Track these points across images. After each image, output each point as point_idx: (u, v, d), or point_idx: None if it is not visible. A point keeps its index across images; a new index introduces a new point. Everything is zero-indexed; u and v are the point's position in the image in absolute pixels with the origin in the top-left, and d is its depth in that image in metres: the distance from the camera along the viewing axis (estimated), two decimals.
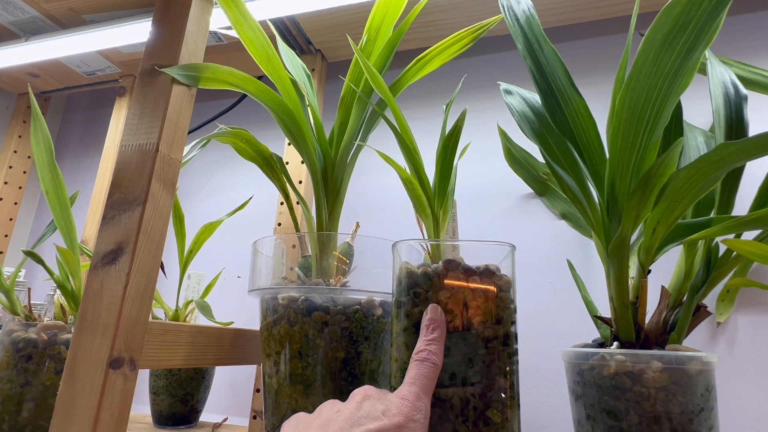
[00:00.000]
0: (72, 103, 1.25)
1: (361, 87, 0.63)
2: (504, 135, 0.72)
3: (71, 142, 1.21)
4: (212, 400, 0.83)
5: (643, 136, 0.40)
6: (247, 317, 0.87)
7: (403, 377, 0.39)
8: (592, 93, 0.79)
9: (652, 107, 0.38)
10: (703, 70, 0.56)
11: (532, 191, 0.77)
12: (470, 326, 0.39)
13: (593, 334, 0.64)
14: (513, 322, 0.40)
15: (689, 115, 0.69)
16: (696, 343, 0.63)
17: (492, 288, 0.40)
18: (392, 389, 0.40)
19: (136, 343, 0.43)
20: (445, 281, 0.40)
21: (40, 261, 0.49)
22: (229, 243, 0.93)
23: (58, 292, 0.56)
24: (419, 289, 0.40)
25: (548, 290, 0.72)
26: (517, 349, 0.40)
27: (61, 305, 0.55)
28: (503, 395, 0.38)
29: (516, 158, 0.73)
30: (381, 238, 0.58)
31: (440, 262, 0.41)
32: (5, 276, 0.72)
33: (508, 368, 0.38)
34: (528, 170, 0.74)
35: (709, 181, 0.39)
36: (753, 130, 0.67)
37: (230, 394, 0.83)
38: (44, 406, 0.50)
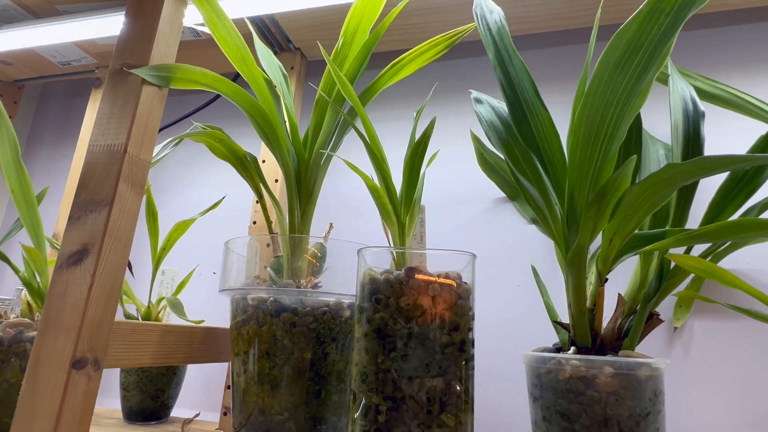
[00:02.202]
0: (47, 92, 1.23)
1: (335, 92, 0.63)
2: (477, 140, 0.73)
3: (46, 131, 1.19)
4: (186, 396, 0.83)
5: (600, 152, 0.42)
6: (223, 313, 0.88)
7: (363, 381, 0.40)
8: (564, 102, 0.80)
9: (608, 125, 0.40)
10: (666, 81, 0.58)
11: (504, 195, 0.78)
12: (428, 332, 0.40)
13: (554, 338, 0.66)
14: (470, 329, 0.42)
15: (653, 124, 0.71)
16: (653, 347, 0.66)
17: (451, 296, 0.41)
18: (352, 393, 0.41)
19: (101, 344, 0.43)
20: (406, 288, 0.41)
21: (5, 259, 0.49)
22: (205, 239, 0.93)
23: (25, 288, 0.56)
24: (381, 295, 0.41)
25: (517, 293, 0.74)
26: (473, 355, 0.41)
27: (28, 302, 0.55)
28: (458, 399, 0.39)
29: (488, 163, 0.75)
30: (351, 242, 0.59)
31: (402, 270, 0.42)
32: None
33: (463, 373, 0.40)
34: (500, 175, 0.76)
35: (660, 197, 0.41)
36: (714, 144, 0.70)
37: (204, 390, 0.84)
38: (8, 403, 0.50)
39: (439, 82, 0.88)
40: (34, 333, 0.52)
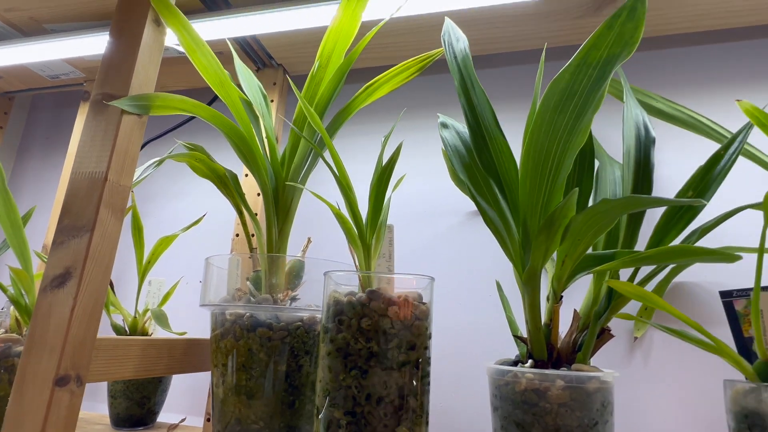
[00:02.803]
0: (37, 103, 1.25)
1: (308, 119, 0.66)
2: (449, 158, 0.76)
3: (37, 141, 1.21)
4: (173, 402, 0.86)
5: (548, 182, 0.45)
6: (208, 323, 0.91)
7: (325, 397, 0.43)
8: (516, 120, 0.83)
9: (553, 159, 0.43)
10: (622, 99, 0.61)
11: (477, 209, 0.81)
12: (387, 352, 0.43)
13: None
14: (426, 347, 0.45)
15: (613, 139, 0.74)
16: (614, 356, 0.69)
17: (408, 317, 0.44)
18: (316, 408, 0.44)
19: (83, 361, 0.46)
20: (367, 310, 0.44)
21: None
22: (191, 250, 0.96)
23: (12, 306, 0.59)
24: (344, 316, 0.45)
25: (488, 304, 0.77)
26: (429, 372, 0.44)
27: (16, 318, 0.58)
28: (413, 414, 0.42)
29: (460, 178, 0.78)
30: (327, 260, 0.62)
31: (364, 292, 0.45)
32: None
33: (419, 389, 0.43)
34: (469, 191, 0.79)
35: (602, 226, 0.44)
36: (669, 161, 0.73)
37: (190, 396, 0.87)
38: None
39: (413, 96, 0.91)
40: (21, 348, 0.55)
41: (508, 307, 0.60)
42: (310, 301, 0.62)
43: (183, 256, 0.95)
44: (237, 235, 0.82)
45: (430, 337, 0.45)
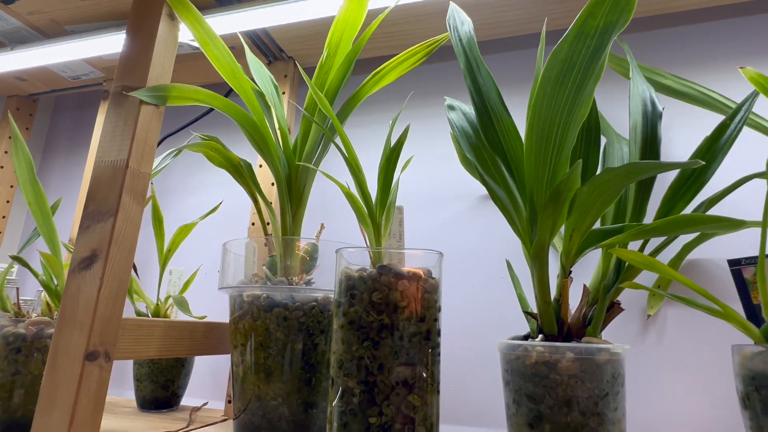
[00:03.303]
0: (60, 104, 1.30)
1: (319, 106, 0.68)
2: (457, 142, 0.77)
3: (61, 141, 1.26)
4: (196, 385, 0.89)
5: (552, 156, 0.46)
6: (226, 309, 0.93)
7: (340, 368, 0.45)
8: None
9: (557, 132, 0.44)
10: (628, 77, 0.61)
11: (487, 192, 0.82)
12: (397, 323, 0.44)
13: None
14: (436, 320, 0.46)
15: (623, 118, 0.74)
16: (628, 334, 0.70)
17: (418, 290, 0.46)
18: (330, 378, 0.46)
19: (111, 338, 0.49)
20: (377, 284, 0.46)
21: (25, 264, 0.55)
22: (209, 239, 0.99)
23: (44, 290, 0.62)
24: (355, 291, 0.46)
25: (500, 285, 0.78)
26: (438, 343, 0.46)
27: (47, 302, 0.61)
28: (424, 383, 0.44)
29: (470, 161, 0.78)
30: (340, 242, 0.63)
31: (375, 267, 0.47)
32: None
33: (429, 359, 0.44)
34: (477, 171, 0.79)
35: (608, 196, 0.45)
36: (679, 137, 0.73)
37: (211, 379, 0.90)
38: (33, 392, 0.56)
39: (420, 85, 0.92)
40: (53, 330, 0.58)
41: (518, 283, 0.61)
42: (325, 284, 0.63)
43: (201, 246, 0.98)
44: (252, 223, 0.85)
45: (439, 310, 0.47)
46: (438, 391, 0.45)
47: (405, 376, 0.43)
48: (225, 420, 0.74)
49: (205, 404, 0.84)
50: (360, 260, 0.52)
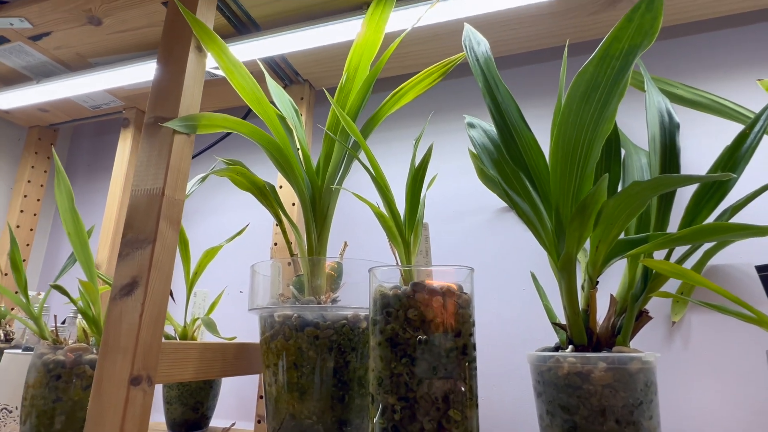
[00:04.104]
0: (78, 132, 1.33)
1: (342, 125, 0.70)
2: (475, 157, 0.79)
3: (80, 168, 1.29)
4: (221, 407, 0.90)
5: (578, 170, 0.47)
6: (250, 329, 0.95)
7: (380, 385, 0.46)
8: (549, 115, 0.85)
9: (582, 148, 0.45)
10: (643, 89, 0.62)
11: (505, 205, 0.84)
12: (434, 339, 0.45)
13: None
14: (471, 334, 0.47)
15: (636, 128, 0.75)
16: (653, 341, 0.70)
17: (453, 306, 0.47)
18: (371, 396, 0.47)
19: (152, 362, 0.50)
20: (412, 301, 0.47)
21: (65, 293, 0.56)
22: (230, 261, 1.00)
23: (80, 316, 0.64)
24: (391, 308, 0.47)
25: (523, 297, 0.79)
26: (475, 357, 0.47)
27: (83, 329, 0.62)
28: (463, 397, 0.44)
29: (488, 176, 0.80)
30: (365, 260, 0.65)
31: (409, 285, 0.48)
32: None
33: (467, 374, 0.45)
34: (500, 187, 0.81)
35: (634, 209, 0.46)
36: (694, 146, 0.74)
37: (237, 401, 0.91)
38: (73, 418, 0.57)
39: (436, 102, 0.94)
40: (91, 356, 0.60)
41: (544, 295, 0.62)
42: (350, 302, 0.65)
43: (223, 269, 1.00)
44: (275, 244, 0.86)
45: (473, 324, 0.48)
46: (477, 405, 0.45)
47: (444, 391, 0.44)
48: None
49: (233, 425, 0.84)
50: (389, 277, 0.54)
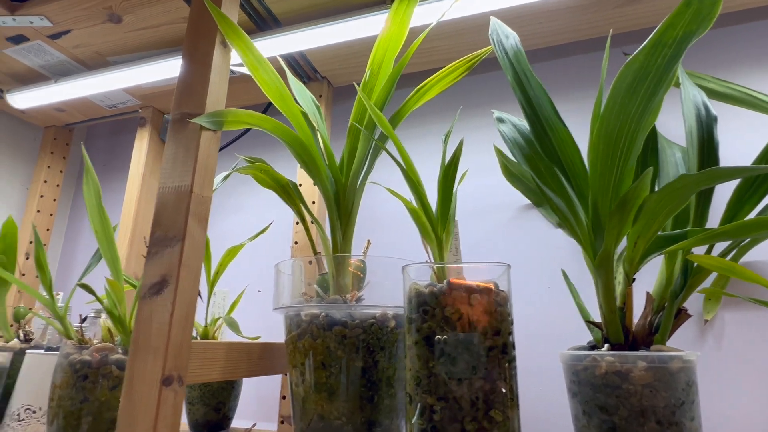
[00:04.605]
0: (93, 131, 1.33)
1: (366, 119, 0.69)
2: (500, 153, 0.77)
3: (95, 168, 1.28)
4: (240, 408, 0.89)
5: (619, 164, 0.46)
6: (269, 329, 0.94)
7: (417, 385, 0.45)
8: (574, 109, 0.84)
9: (624, 141, 0.44)
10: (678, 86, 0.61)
11: (529, 202, 0.82)
12: (472, 338, 0.44)
13: (588, 336, 0.69)
14: (510, 333, 0.46)
15: (669, 124, 0.74)
16: (685, 340, 0.69)
17: (491, 303, 0.46)
18: (408, 395, 0.46)
19: (183, 362, 0.49)
20: (449, 299, 0.46)
21: (91, 292, 0.56)
22: (249, 260, 0.99)
23: (104, 315, 0.63)
24: (427, 306, 0.46)
25: (548, 295, 0.77)
26: (515, 356, 0.46)
27: (108, 328, 0.61)
28: (504, 397, 0.43)
29: (512, 173, 0.79)
30: (390, 257, 0.64)
31: (444, 282, 0.47)
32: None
33: (507, 373, 0.44)
34: (524, 183, 0.80)
35: (678, 203, 0.44)
36: (729, 140, 0.73)
37: (257, 401, 0.90)
38: (100, 419, 0.57)
39: (460, 99, 0.93)
40: (117, 356, 0.59)
41: (576, 294, 0.61)
42: (375, 301, 0.63)
43: (239, 268, 0.99)
44: (296, 242, 0.85)
45: (512, 323, 0.47)
46: (518, 406, 0.44)
47: (485, 391, 0.43)
48: None
49: (254, 425, 0.83)
50: (419, 276, 0.52)
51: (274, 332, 0.93)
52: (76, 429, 0.55)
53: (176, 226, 0.51)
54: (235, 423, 0.85)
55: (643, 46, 0.37)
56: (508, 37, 0.61)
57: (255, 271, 0.99)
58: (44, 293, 0.60)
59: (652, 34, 0.36)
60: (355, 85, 0.57)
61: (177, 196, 0.53)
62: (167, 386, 0.47)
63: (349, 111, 1.02)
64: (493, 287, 0.47)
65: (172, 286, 0.49)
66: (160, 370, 0.47)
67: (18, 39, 0.81)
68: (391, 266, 0.67)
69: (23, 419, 0.66)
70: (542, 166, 0.55)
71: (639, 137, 0.43)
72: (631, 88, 0.40)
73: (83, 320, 0.72)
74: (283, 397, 0.79)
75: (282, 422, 0.77)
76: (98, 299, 0.56)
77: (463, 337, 0.44)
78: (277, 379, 0.88)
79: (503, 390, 0.43)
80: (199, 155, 0.54)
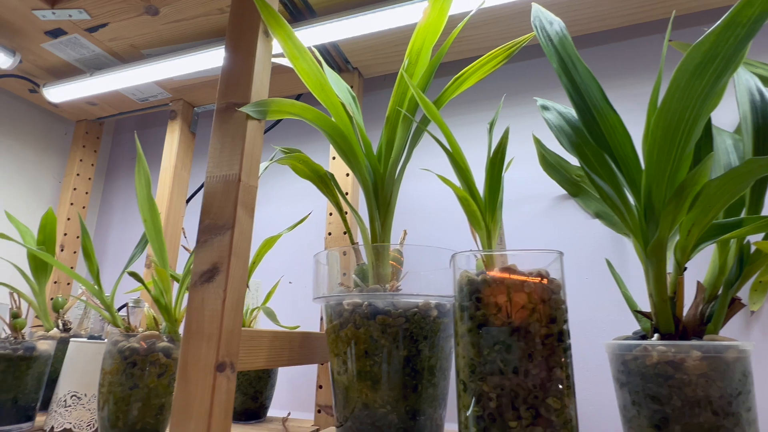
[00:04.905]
0: (120, 125, 1.34)
1: (405, 107, 0.68)
2: (539, 143, 0.77)
3: (123, 162, 1.30)
4: (275, 397, 0.90)
5: (677, 151, 0.45)
6: (299, 319, 0.94)
7: (471, 372, 0.44)
8: (614, 97, 0.83)
9: (685, 125, 0.43)
10: None
11: (564, 193, 0.81)
12: (528, 326, 0.44)
13: (627, 326, 0.69)
14: (565, 321, 0.45)
15: (715, 114, 0.72)
16: (731, 331, 0.67)
17: (545, 291, 0.45)
18: (462, 383, 0.46)
19: (234, 349, 0.50)
20: (503, 287, 0.45)
21: (140, 280, 0.57)
22: (281, 251, 1.00)
23: (146, 305, 0.64)
24: (480, 294, 0.46)
25: (584, 286, 0.77)
26: (570, 344, 0.45)
27: (153, 317, 0.62)
28: (561, 385, 0.43)
29: (550, 163, 0.78)
30: (428, 246, 0.64)
31: (497, 269, 0.47)
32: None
33: (563, 361, 0.44)
34: (561, 173, 0.79)
35: (739, 189, 0.44)
36: None
37: (290, 391, 0.91)
38: (148, 405, 0.58)
39: (497, 88, 0.92)
40: (163, 343, 0.60)
41: (622, 283, 0.60)
42: (412, 290, 0.63)
43: (270, 259, 1.00)
44: (329, 233, 0.86)
45: (566, 311, 0.46)
46: (574, 394, 0.44)
47: (541, 378, 0.43)
48: (318, 430, 0.74)
49: (289, 415, 0.84)
50: (465, 264, 0.52)
51: (304, 322, 0.94)
52: (126, 414, 0.56)
53: (225, 215, 0.52)
54: (271, 412, 0.86)
55: (716, 26, 0.36)
56: (551, 23, 0.60)
57: (287, 261, 0.99)
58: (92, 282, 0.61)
59: (727, 14, 0.35)
60: (407, 78, 0.56)
61: (225, 185, 0.53)
62: (221, 372, 0.47)
63: (379, 102, 1.02)
64: (546, 275, 0.47)
65: (223, 273, 0.50)
66: (214, 357, 0.47)
67: (56, 33, 0.82)
68: (428, 255, 0.67)
69: (69, 405, 0.68)
70: (590, 154, 0.54)
71: (700, 121, 0.42)
72: (698, 69, 0.39)
73: (118, 310, 0.73)
74: (320, 387, 0.79)
75: (319, 411, 0.78)
76: (146, 287, 0.57)
77: (518, 324, 0.44)
78: (307, 369, 0.89)
79: (560, 378, 0.43)
80: (246, 144, 0.55)
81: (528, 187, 0.84)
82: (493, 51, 0.69)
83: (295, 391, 0.90)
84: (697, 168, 0.43)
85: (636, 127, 0.59)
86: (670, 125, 0.43)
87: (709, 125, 0.53)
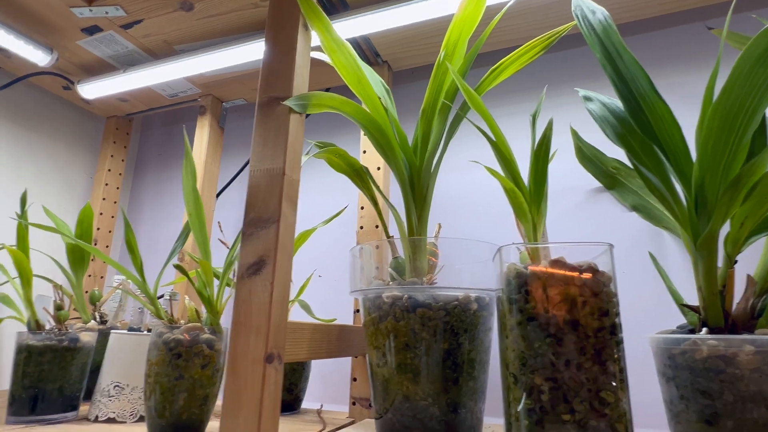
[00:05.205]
0: (148, 121, 1.36)
1: (440, 100, 0.68)
2: (575, 135, 0.76)
3: (151, 157, 1.32)
4: (308, 390, 0.91)
5: (734, 141, 0.44)
6: (331, 313, 0.95)
7: (522, 365, 0.44)
8: (663, 85, 0.81)
9: (744, 115, 0.42)
10: None
11: (599, 185, 0.80)
12: (578, 318, 0.44)
13: (666, 320, 0.68)
14: (617, 314, 0.45)
15: None
16: None
17: (596, 284, 0.45)
18: (512, 376, 0.45)
19: (281, 341, 0.51)
20: (553, 280, 0.45)
21: (184, 272, 0.57)
22: (311, 244, 1.00)
23: (187, 297, 0.65)
24: (529, 287, 0.46)
25: (622, 280, 0.76)
26: (622, 338, 0.45)
27: (195, 309, 0.63)
28: (614, 378, 0.43)
29: (586, 155, 0.77)
30: (465, 239, 0.63)
31: (546, 262, 0.46)
32: (116, 283, 0.82)
33: (616, 354, 0.43)
34: (597, 166, 0.78)
35: None
36: None
37: (322, 384, 0.92)
38: (193, 395, 0.59)
39: (533, 81, 0.90)
40: (206, 335, 0.61)
41: (666, 277, 0.59)
42: (448, 283, 0.63)
43: (306, 252, 1.00)
44: (361, 227, 0.86)
45: (618, 304, 0.46)
46: (628, 387, 0.43)
47: (594, 372, 0.42)
48: (353, 422, 0.75)
49: (321, 407, 0.85)
50: (513, 257, 0.52)
51: (335, 315, 0.94)
52: (172, 404, 0.57)
53: (270, 208, 0.52)
54: (305, 404, 0.87)
55: None
56: (594, 12, 0.59)
57: (315, 255, 1.00)
58: (135, 274, 0.62)
59: None
60: (451, 68, 0.56)
61: (269, 178, 0.54)
62: (270, 363, 0.48)
63: (407, 95, 1.02)
64: (596, 267, 0.46)
65: (270, 266, 0.50)
66: (263, 348, 0.48)
67: (92, 30, 0.83)
68: (463, 249, 0.67)
69: (113, 395, 0.69)
70: (637, 144, 0.53)
71: (760, 111, 0.41)
72: (762, 58, 0.38)
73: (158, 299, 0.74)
74: (354, 379, 0.80)
75: (354, 403, 0.78)
76: (190, 280, 0.57)
77: (569, 317, 0.44)
78: (339, 362, 0.90)
79: (613, 372, 0.43)
80: (289, 138, 0.55)
81: (563, 179, 0.83)
82: (531, 42, 0.68)
83: (328, 384, 0.91)
84: (756, 159, 0.42)
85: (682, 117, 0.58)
86: (729, 114, 0.42)
87: (763, 116, 0.52)
